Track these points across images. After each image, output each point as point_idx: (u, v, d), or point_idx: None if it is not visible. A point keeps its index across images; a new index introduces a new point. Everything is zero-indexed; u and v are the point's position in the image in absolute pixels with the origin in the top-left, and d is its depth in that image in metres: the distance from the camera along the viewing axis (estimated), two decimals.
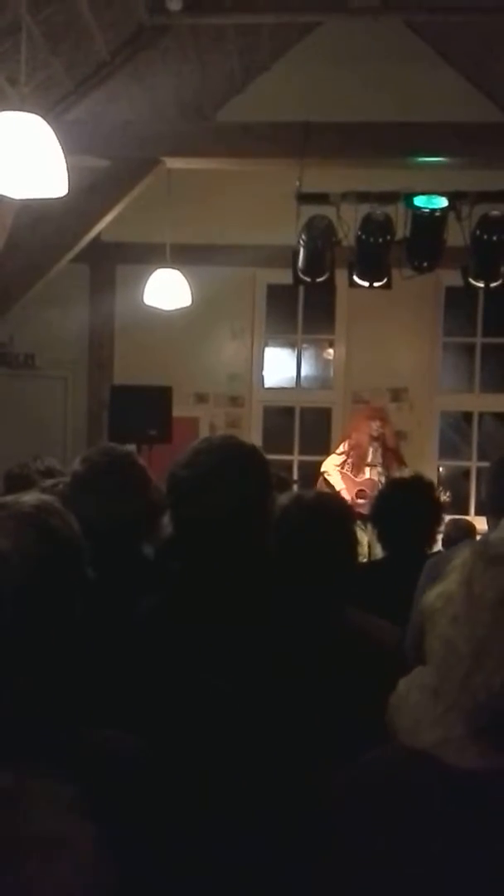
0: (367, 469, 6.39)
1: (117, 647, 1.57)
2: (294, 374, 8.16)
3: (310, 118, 5.49)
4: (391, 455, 6.47)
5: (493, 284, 5.76)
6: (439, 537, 3.29)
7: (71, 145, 3.93)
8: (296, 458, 7.93)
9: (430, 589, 1.12)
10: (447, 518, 5.27)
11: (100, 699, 1.32)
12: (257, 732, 1.42)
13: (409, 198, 5.41)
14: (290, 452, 7.94)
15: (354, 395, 7.83)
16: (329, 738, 1.24)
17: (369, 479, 6.34)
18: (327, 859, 1.03)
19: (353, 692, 1.46)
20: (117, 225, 6.82)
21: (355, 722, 1.20)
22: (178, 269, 6.34)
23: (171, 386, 6.86)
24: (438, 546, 3.35)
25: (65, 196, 3.71)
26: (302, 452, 7.93)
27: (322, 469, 6.66)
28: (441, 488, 4.83)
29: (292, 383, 8.17)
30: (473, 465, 7.88)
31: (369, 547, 5.50)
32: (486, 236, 5.46)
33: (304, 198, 5.48)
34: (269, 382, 8.14)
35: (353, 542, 2.06)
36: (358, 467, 6.47)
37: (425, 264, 5.67)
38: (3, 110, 3.45)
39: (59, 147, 3.50)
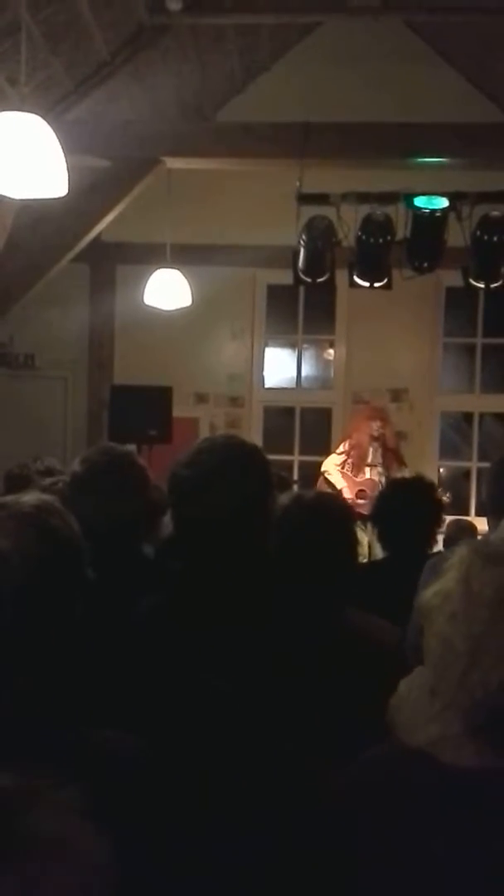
0: (368, 469, 6.39)
1: (117, 647, 1.57)
2: (294, 374, 8.16)
3: (310, 118, 5.49)
4: (391, 455, 6.46)
5: (493, 285, 5.76)
6: (440, 538, 3.29)
7: (71, 145, 3.93)
8: (296, 458, 7.93)
9: (427, 587, 1.12)
10: (448, 519, 5.27)
11: (100, 699, 1.31)
12: (257, 732, 1.42)
13: (409, 198, 5.41)
14: (291, 453, 7.94)
15: (355, 396, 7.83)
16: (329, 738, 1.24)
17: (369, 479, 6.34)
18: (327, 858, 1.03)
19: (353, 692, 1.46)
20: (117, 225, 6.82)
21: (355, 722, 1.20)
22: (178, 270, 6.34)
23: (171, 386, 6.86)
24: (439, 546, 3.35)
25: (65, 196, 3.71)
26: (302, 453, 7.93)
27: (322, 469, 6.66)
28: (441, 489, 4.82)
29: (292, 383, 8.17)
30: (474, 465, 7.88)
31: (369, 547, 5.50)
32: (486, 237, 5.45)
33: (305, 198, 5.48)
34: (269, 383, 8.14)
35: (354, 541, 2.06)
36: (358, 467, 6.46)
37: (425, 265, 5.67)
38: (4, 110, 3.45)
39: (60, 147, 3.50)
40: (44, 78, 5.24)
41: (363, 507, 5.88)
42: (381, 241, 5.51)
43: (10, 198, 4.18)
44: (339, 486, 6.36)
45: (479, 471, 7.61)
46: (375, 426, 6.39)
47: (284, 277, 6.21)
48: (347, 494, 6.20)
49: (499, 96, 7.02)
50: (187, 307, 6.51)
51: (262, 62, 7.15)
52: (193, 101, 6.95)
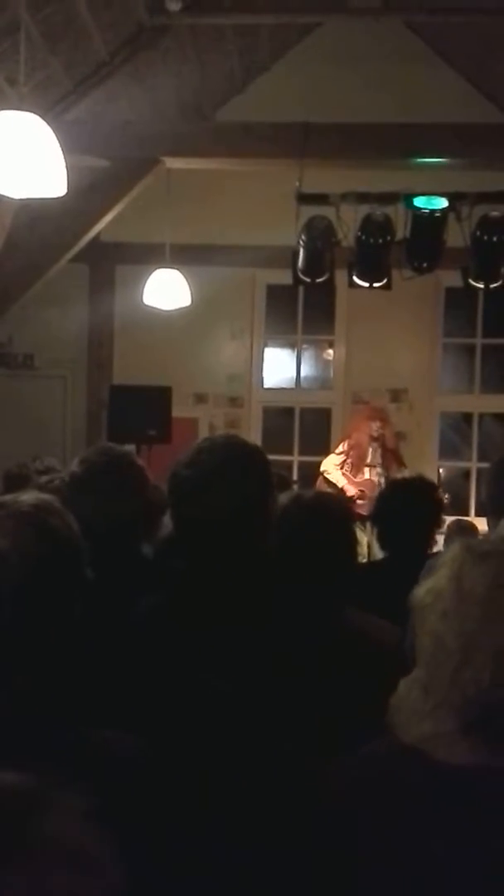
0: (367, 469, 6.39)
1: (116, 647, 1.57)
2: (294, 374, 8.16)
3: (310, 119, 5.48)
4: (391, 456, 6.46)
5: (492, 285, 5.76)
6: (440, 538, 3.29)
7: (70, 145, 3.92)
8: (295, 458, 7.93)
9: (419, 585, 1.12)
10: (450, 519, 5.27)
11: (99, 699, 1.31)
12: (257, 732, 1.42)
13: (408, 198, 5.41)
14: (290, 453, 7.94)
15: (354, 396, 7.83)
16: (329, 738, 1.23)
17: (368, 479, 6.34)
18: (327, 858, 1.03)
19: (353, 692, 1.46)
20: (117, 225, 6.82)
21: (355, 722, 1.19)
22: (177, 270, 6.34)
23: (170, 386, 6.86)
24: (439, 546, 3.35)
25: (64, 196, 3.71)
26: (301, 453, 7.93)
27: (321, 469, 6.66)
28: (440, 489, 4.82)
29: (292, 384, 8.17)
30: (473, 465, 7.88)
31: (369, 547, 5.50)
32: (486, 237, 5.46)
33: (304, 198, 5.48)
34: (268, 383, 8.14)
35: (354, 541, 2.06)
36: (357, 467, 6.46)
37: (425, 265, 5.67)
38: (3, 110, 3.44)
39: (59, 147, 3.50)
40: (43, 78, 5.24)
41: (362, 507, 5.88)
42: (380, 241, 5.51)
43: (9, 197, 4.18)
44: (339, 485, 6.36)
45: (479, 471, 7.61)
46: (375, 426, 6.39)
47: (284, 277, 6.21)
48: (350, 491, 6.21)
49: (498, 97, 7.02)
50: (187, 307, 6.51)
51: (262, 62, 7.15)
52: (193, 101, 6.95)
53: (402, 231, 5.52)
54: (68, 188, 3.63)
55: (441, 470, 7.97)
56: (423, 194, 5.42)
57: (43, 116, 3.51)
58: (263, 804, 1.27)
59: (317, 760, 1.14)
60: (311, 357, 8.29)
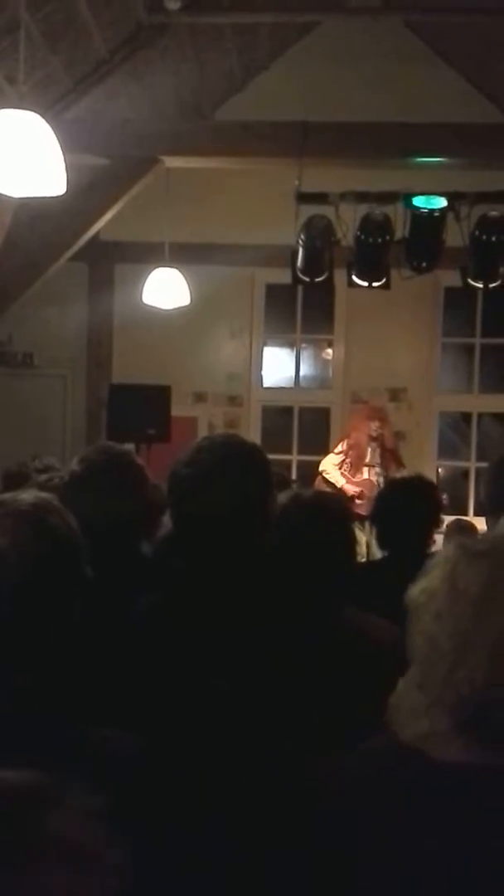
0: (366, 469, 6.39)
1: (115, 646, 1.57)
2: (293, 373, 8.16)
3: (309, 118, 5.48)
4: (389, 456, 6.46)
5: (491, 285, 5.76)
6: (439, 538, 3.29)
7: (70, 144, 3.92)
8: (294, 457, 7.93)
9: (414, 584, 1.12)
10: (449, 519, 5.27)
11: (98, 697, 1.31)
12: (256, 731, 1.42)
13: (408, 198, 5.41)
14: (289, 452, 7.93)
15: (353, 395, 7.83)
16: (328, 737, 1.24)
17: (367, 479, 6.34)
18: (325, 856, 1.03)
19: (351, 691, 1.46)
20: (116, 224, 6.82)
21: (354, 720, 1.20)
22: (176, 269, 6.34)
23: (169, 385, 6.86)
24: (438, 546, 3.35)
25: (63, 194, 3.70)
26: (300, 452, 7.93)
27: (320, 469, 6.65)
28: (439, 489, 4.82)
29: (291, 383, 8.17)
30: (472, 465, 7.88)
31: (368, 547, 5.50)
32: (484, 237, 5.45)
33: (303, 197, 5.48)
34: (267, 382, 8.14)
35: (353, 541, 2.06)
36: (356, 467, 6.46)
37: (424, 264, 5.67)
38: (2, 108, 3.44)
39: (58, 145, 3.49)
40: (42, 76, 5.24)
41: (361, 507, 5.88)
42: (379, 240, 5.51)
43: (8, 196, 4.17)
44: (338, 485, 6.36)
45: (478, 471, 7.61)
46: (374, 426, 6.40)
47: (283, 277, 6.21)
48: (349, 490, 6.21)
49: (498, 96, 7.02)
50: (186, 306, 6.50)
51: (261, 61, 7.15)
52: (192, 99, 6.94)
53: (401, 230, 5.52)
54: (68, 187, 3.63)
55: (440, 469, 7.97)
56: (422, 194, 5.42)
57: (42, 115, 3.51)
58: (263, 803, 1.27)
59: (316, 759, 1.14)
60: (311, 356, 8.29)
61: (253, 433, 7.74)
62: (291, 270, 5.85)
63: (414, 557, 2.51)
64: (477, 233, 5.44)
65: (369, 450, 6.36)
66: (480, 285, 5.80)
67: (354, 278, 5.85)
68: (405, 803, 1.01)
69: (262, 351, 8.07)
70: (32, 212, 5.89)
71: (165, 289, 6.34)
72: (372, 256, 5.65)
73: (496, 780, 1.00)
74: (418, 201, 5.41)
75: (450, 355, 8.10)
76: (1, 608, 1.14)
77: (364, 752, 1.10)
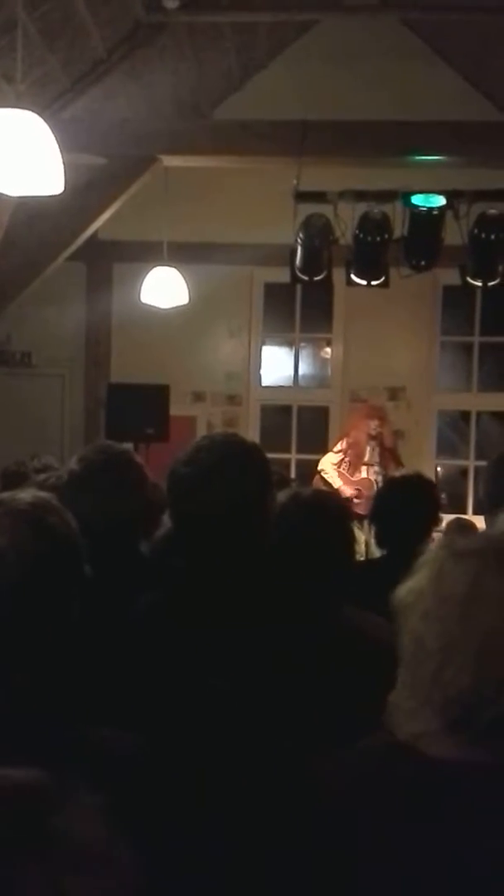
0: (364, 468, 6.39)
1: (115, 645, 1.57)
2: (292, 372, 8.16)
3: (307, 116, 5.48)
4: (388, 455, 6.46)
5: (490, 283, 5.76)
6: (438, 536, 3.28)
7: (68, 143, 3.91)
8: (293, 456, 7.93)
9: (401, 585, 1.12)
10: (449, 517, 5.27)
11: (97, 697, 1.31)
12: (256, 730, 1.42)
13: (406, 196, 5.41)
14: (288, 451, 7.93)
15: (352, 394, 7.83)
16: (327, 736, 1.24)
17: (366, 478, 6.34)
18: (325, 856, 1.03)
19: (351, 690, 1.46)
20: (114, 223, 6.81)
21: (353, 719, 1.19)
22: (175, 268, 6.33)
23: (168, 384, 6.86)
24: None
25: (61, 194, 3.69)
26: (299, 451, 7.93)
27: (319, 467, 6.65)
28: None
29: (290, 382, 8.16)
30: (471, 464, 7.88)
31: (367, 546, 5.49)
32: (483, 235, 5.45)
33: (302, 196, 5.48)
34: (266, 381, 8.14)
35: (351, 539, 2.06)
36: (355, 466, 6.46)
37: (423, 263, 5.67)
38: (0, 107, 3.43)
39: (56, 144, 3.49)
40: (40, 75, 5.23)
41: (359, 505, 5.88)
42: (378, 239, 5.51)
43: (6, 195, 4.17)
44: (335, 485, 6.36)
45: (477, 469, 7.61)
46: (373, 425, 6.40)
47: (282, 275, 6.20)
48: (346, 492, 6.20)
49: (496, 95, 7.01)
50: (184, 305, 6.50)
51: (260, 60, 7.14)
52: (190, 98, 6.94)
53: (399, 229, 5.52)
54: (66, 186, 3.62)
55: (439, 468, 7.97)
56: (420, 192, 5.42)
57: (40, 114, 3.50)
58: (263, 802, 1.27)
59: (316, 758, 1.14)
60: (309, 355, 8.29)
61: (252, 432, 7.74)
62: (290, 269, 5.85)
63: (412, 556, 2.51)
64: (476, 231, 5.44)
65: (368, 449, 6.36)
66: (479, 284, 5.80)
67: (353, 277, 5.85)
68: (403, 802, 1.01)
69: (260, 350, 8.07)
70: (30, 211, 5.88)
71: (164, 288, 6.33)
72: (370, 255, 5.65)
73: (487, 778, 1.00)
74: (417, 200, 5.41)
75: (448, 354, 8.10)
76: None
77: (363, 751, 1.10)
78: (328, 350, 8.11)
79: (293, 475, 7.26)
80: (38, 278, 6.75)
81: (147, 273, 6.36)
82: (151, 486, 2.24)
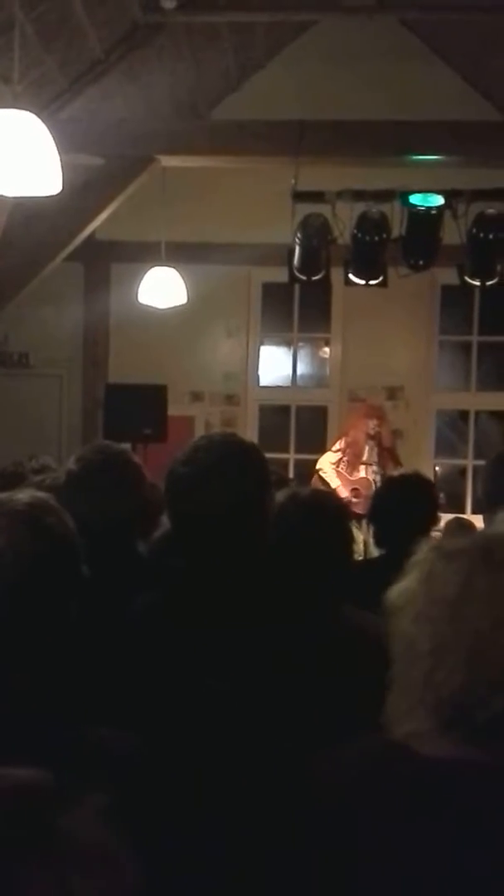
0: (363, 468, 6.39)
1: (113, 646, 1.56)
2: (290, 372, 8.16)
3: (305, 116, 5.48)
4: (387, 454, 6.46)
5: (489, 282, 5.76)
6: (437, 535, 3.29)
7: (65, 143, 3.91)
8: (291, 456, 7.92)
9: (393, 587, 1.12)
10: (449, 517, 5.27)
11: (96, 697, 1.31)
12: (255, 730, 1.42)
13: (404, 196, 5.41)
14: (286, 451, 7.93)
15: (350, 394, 7.83)
16: (327, 736, 1.23)
17: (364, 477, 6.34)
18: (326, 857, 1.03)
19: (351, 689, 1.46)
20: (112, 223, 6.81)
21: (353, 719, 1.19)
22: (172, 268, 6.33)
23: (166, 384, 6.85)
24: None
25: (59, 194, 3.69)
26: (298, 451, 7.92)
27: (317, 466, 6.65)
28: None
29: (288, 382, 8.16)
30: (469, 463, 7.88)
31: (365, 545, 5.49)
32: (481, 234, 5.45)
33: (300, 196, 5.48)
34: (264, 381, 8.14)
35: (350, 538, 2.06)
36: (353, 465, 6.46)
37: (421, 262, 5.67)
38: None
39: (53, 145, 3.48)
40: (38, 76, 5.23)
41: (357, 505, 5.88)
42: (376, 238, 5.51)
43: (3, 195, 4.17)
44: (333, 485, 6.35)
45: (475, 469, 7.61)
46: (372, 424, 6.40)
47: (280, 275, 6.20)
48: (343, 493, 6.20)
49: (494, 94, 7.02)
50: (182, 305, 6.49)
51: (257, 60, 7.14)
52: (188, 99, 6.94)
53: (397, 228, 5.52)
54: (63, 186, 3.62)
55: (437, 468, 7.97)
56: (418, 192, 5.42)
57: (38, 114, 3.50)
58: (262, 803, 1.27)
59: (315, 758, 1.14)
60: (308, 355, 8.29)
61: (250, 432, 7.74)
62: (288, 269, 5.85)
63: (411, 556, 2.51)
64: (474, 230, 5.45)
65: (367, 448, 6.36)
66: (477, 283, 5.81)
67: (351, 276, 5.85)
68: (402, 802, 1.01)
69: (258, 350, 8.07)
70: (28, 211, 5.88)
71: (162, 288, 6.33)
72: (369, 254, 5.65)
73: (482, 777, 1.00)
74: (415, 199, 5.41)
75: (447, 353, 8.10)
76: None
77: (361, 751, 1.10)
78: (326, 350, 8.11)
79: (291, 475, 7.25)
80: (35, 278, 6.74)
81: (145, 273, 6.35)
82: (149, 486, 2.24)
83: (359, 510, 5.63)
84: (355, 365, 7.83)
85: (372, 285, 5.83)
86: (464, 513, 7.10)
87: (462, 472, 7.99)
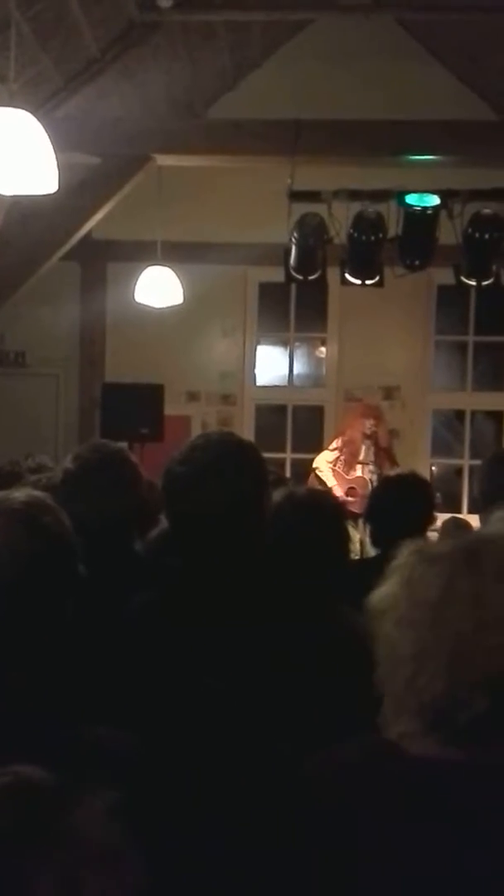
0: (359, 467, 6.39)
1: (109, 644, 1.56)
2: (286, 372, 8.16)
3: (301, 116, 5.48)
4: (383, 454, 6.46)
5: (484, 283, 5.77)
6: (435, 535, 3.29)
7: (61, 142, 3.91)
8: (288, 456, 7.93)
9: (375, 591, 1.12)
10: (445, 517, 5.28)
11: (93, 696, 1.31)
12: (254, 730, 1.41)
13: (401, 196, 5.42)
14: (283, 450, 7.93)
15: (347, 394, 7.83)
16: (326, 736, 1.23)
17: (360, 477, 6.34)
18: (321, 854, 1.03)
19: (349, 689, 1.46)
20: (108, 222, 6.80)
21: (352, 719, 1.19)
22: (169, 267, 6.33)
23: (162, 384, 6.85)
24: None
25: (55, 193, 3.69)
26: (294, 450, 7.93)
27: (314, 465, 6.65)
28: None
29: (284, 381, 8.16)
30: (466, 463, 7.89)
31: (361, 545, 5.50)
32: (477, 234, 5.46)
33: (296, 195, 5.48)
34: (261, 380, 8.14)
35: (346, 538, 2.06)
36: (350, 465, 6.46)
37: (417, 262, 5.68)
38: None
39: (50, 144, 3.48)
40: (33, 74, 5.22)
41: (353, 504, 5.89)
42: (372, 238, 5.52)
43: (0, 194, 4.16)
44: (329, 485, 6.36)
45: (471, 468, 7.62)
46: (369, 424, 6.40)
47: (276, 275, 6.20)
48: (338, 493, 6.20)
49: (489, 94, 7.02)
50: (178, 305, 6.49)
51: (254, 59, 7.14)
52: (184, 98, 6.93)
53: (394, 228, 5.52)
54: (59, 185, 3.62)
55: (433, 467, 7.98)
56: (415, 191, 5.43)
57: (34, 113, 3.49)
58: (261, 803, 1.27)
59: (314, 758, 1.14)
60: (304, 354, 8.29)
61: (246, 432, 7.73)
62: (284, 269, 5.85)
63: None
64: (470, 230, 5.45)
65: (363, 448, 6.37)
66: (473, 283, 5.82)
67: (347, 276, 5.85)
68: (399, 801, 1.02)
69: (255, 349, 8.06)
70: (24, 210, 5.87)
71: (158, 287, 6.33)
72: (365, 254, 5.65)
73: (467, 777, 1.00)
74: (411, 199, 5.41)
75: (443, 353, 8.11)
76: None
77: (360, 751, 1.10)
78: (323, 349, 8.11)
79: (288, 475, 7.25)
80: (32, 278, 6.73)
81: (141, 272, 6.35)
82: (147, 485, 2.24)
83: (355, 509, 5.63)
84: (352, 365, 7.83)
85: (368, 285, 5.84)
86: (460, 512, 7.11)
87: (458, 471, 8.00)
